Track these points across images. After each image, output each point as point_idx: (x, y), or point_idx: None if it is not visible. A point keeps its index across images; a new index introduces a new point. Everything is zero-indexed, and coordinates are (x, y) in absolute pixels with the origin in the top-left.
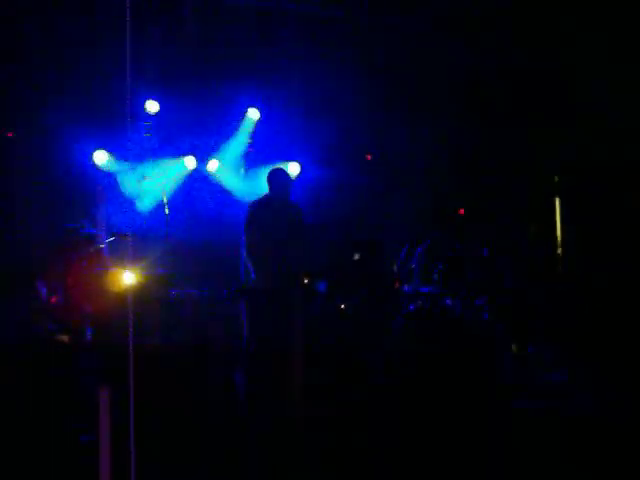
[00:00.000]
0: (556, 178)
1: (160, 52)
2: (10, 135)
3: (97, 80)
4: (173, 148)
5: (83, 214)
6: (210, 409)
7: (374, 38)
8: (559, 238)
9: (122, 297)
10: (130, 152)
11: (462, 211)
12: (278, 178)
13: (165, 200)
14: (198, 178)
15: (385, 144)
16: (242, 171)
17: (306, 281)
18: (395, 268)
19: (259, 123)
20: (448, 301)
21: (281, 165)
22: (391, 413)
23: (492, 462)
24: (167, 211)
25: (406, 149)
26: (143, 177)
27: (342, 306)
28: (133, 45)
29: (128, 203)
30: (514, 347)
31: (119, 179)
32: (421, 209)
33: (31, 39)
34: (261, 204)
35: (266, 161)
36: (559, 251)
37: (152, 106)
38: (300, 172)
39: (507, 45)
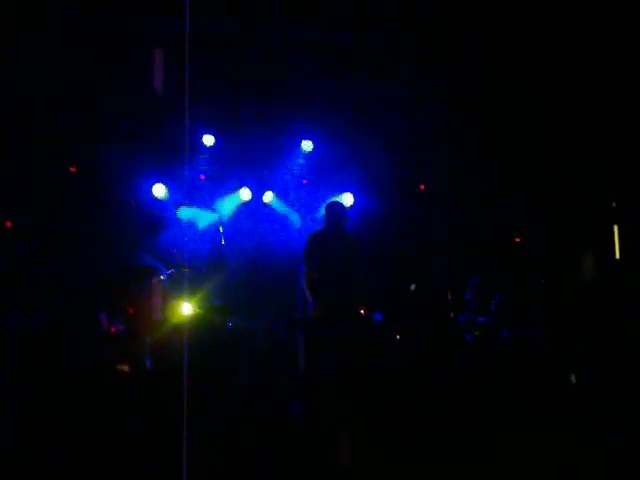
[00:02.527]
0: (614, 204)
1: (215, 87)
2: (73, 170)
3: (155, 116)
4: (229, 180)
5: (143, 246)
6: (266, 438)
7: (427, 71)
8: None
9: (181, 328)
10: (187, 185)
11: (518, 239)
12: (335, 211)
13: (221, 231)
14: (253, 209)
15: (439, 174)
16: (297, 202)
17: (363, 311)
18: (450, 298)
19: (313, 155)
20: (504, 331)
21: (336, 197)
22: (450, 444)
23: None
24: (223, 242)
25: (460, 179)
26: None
27: (398, 336)
28: (189, 80)
29: (185, 235)
30: (572, 377)
31: (177, 212)
32: (476, 239)
33: (91, 77)
34: (319, 236)
35: (321, 192)
36: (618, 279)
37: (208, 140)
38: (354, 203)
39: (555, 70)
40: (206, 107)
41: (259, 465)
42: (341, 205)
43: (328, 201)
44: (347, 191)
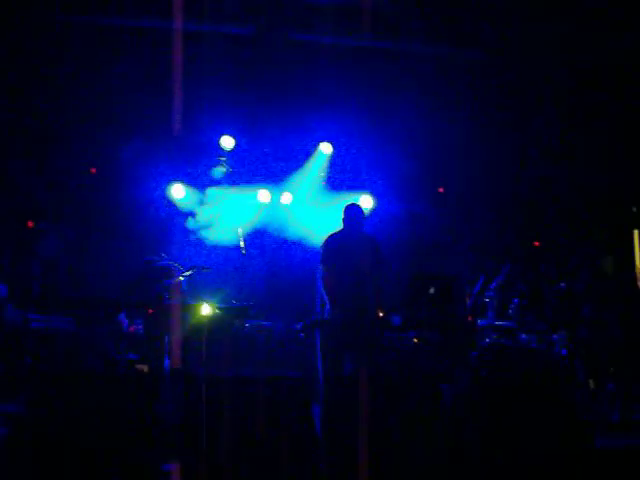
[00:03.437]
0: (634, 209)
1: (234, 88)
2: (94, 172)
3: (173, 117)
4: (248, 182)
5: (162, 247)
6: (286, 440)
7: (441, 73)
8: (638, 270)
9: (199, 328)
10: (206, 186)
11: (537, 243)
12: (352, 213)
13: (241, 235)
14: (273, 211)
15: (458, 176)
16: (316, 204)
17: (381, 314)
18: (469, 302)
19: (333, 156)
20: (523, 335)
21: (355, 199)
22: (467, 448)
23: None
24: (242, 244)
25: (479, 182)
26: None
27: (415, 340)
28: (208, 82)
29: (203, 236)
30: (591, 383)
31: (195, 213)
32: (496, 242)
33: (109, 81)
34: (337, 238)
35: (339, 194)
36: (639, 284)
37: (227, 142)
38: (374, 205)
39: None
40: (224, 108)
41: (276, 465)
42: (359, 207)
43: (346, 203)
44: (366, 193)
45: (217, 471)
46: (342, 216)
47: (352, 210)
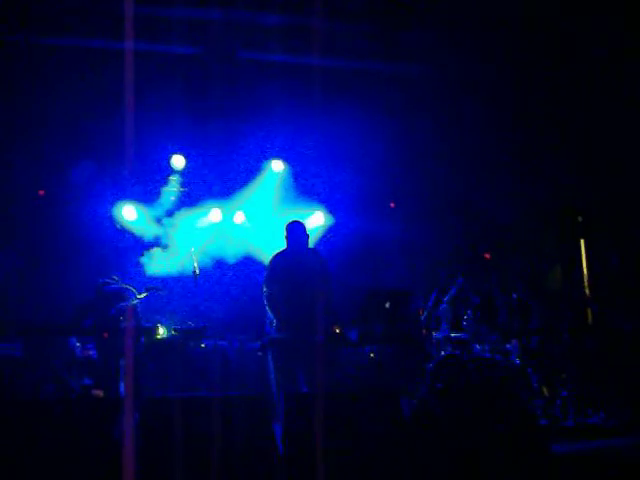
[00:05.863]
0: (580, 219)
1: (184, 107)
2: (42, 193)
3: (124, 137)
4: (200, 201)
5: (114, 269)
6: (247, 460)
7: (392, 91)
8: (586, 279)
9: (155, 351)
10: (157, 207)
11: (488, 256)
12: (294, 231)
13: (194, 256)
14: (226, 230)
15: (409, 191)
16: (269, 221)
17: (337, 330)
18: (423, 315)
19: (285, 174)
20: (477, 346)
21: (308, 215)
22: (423, 460)
23: None
24: (196, 264)
25: (431, 195)
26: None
27: (371, 354)
28: (157, 102)
29: (155, 258)
30: (545, 390)
31: (147, 233)
32: (448, 256)
33: (58, 101)
34: (282, 257)
35: (292, 211)
36: (587, 292)
37: (178, 161)
38: (328, 221)
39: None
40: (175, 128)
41: None
42: (300, 224)
43: (287, 221)
44: (319, 210)
45: None
46: (285, 234)
47: (294, 227)
